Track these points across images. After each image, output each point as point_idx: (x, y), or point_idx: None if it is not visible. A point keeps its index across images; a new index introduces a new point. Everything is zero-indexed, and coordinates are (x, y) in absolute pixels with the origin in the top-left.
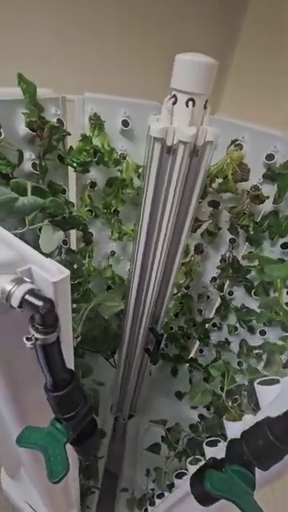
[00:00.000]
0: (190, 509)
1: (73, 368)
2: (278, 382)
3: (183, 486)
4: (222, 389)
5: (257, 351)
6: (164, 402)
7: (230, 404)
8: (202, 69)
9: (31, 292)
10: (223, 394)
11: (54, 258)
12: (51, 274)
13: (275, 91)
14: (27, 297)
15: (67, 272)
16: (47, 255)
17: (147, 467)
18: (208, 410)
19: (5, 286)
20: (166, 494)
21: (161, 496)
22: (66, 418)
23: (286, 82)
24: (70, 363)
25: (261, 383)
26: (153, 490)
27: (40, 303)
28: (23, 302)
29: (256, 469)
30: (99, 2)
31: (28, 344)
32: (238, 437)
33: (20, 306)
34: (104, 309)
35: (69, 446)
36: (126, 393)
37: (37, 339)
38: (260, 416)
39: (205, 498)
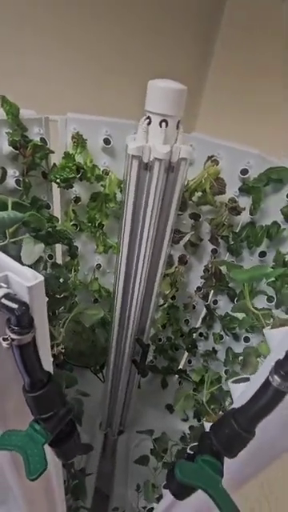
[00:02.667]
0: None
1: (51, 371)
2: (248, 380)
3: (168, 495)
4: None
5: (241, 357)
6: (154, 415)
7: (211, 408)
8: (172, 94)
9: (7, 296)
10: (203, 398)
11: (40, 272)
12: (26, 280)
13: (245, 110)
14: (3, 300)
15: (41, 277)
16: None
17: (138, 482)
18: (199, 421)
19: None
20: (155, 505)
21: (151, 510)
22: (43, 418)
23: (253, 100)
24: (48, 367)
25: (234, 382)
26: (145, 508)
27: (15, 306)
28: (0, 305)
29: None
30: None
31: (4, 344)
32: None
33: None
34: (85, 317)
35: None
36: (114, 407)
37: (13, 340)
38: None
39: (179, 491)
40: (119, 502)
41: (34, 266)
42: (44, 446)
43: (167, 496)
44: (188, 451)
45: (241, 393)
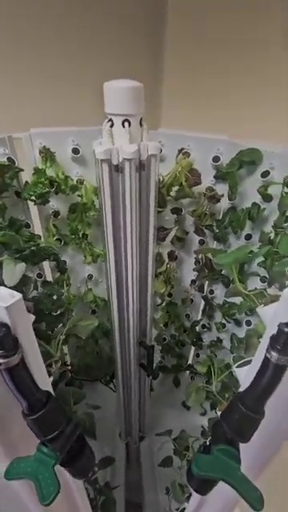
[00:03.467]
0: None
1: (50, 390)
2: (251, 362)
3: (195, 493)
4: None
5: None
6: (172, 415)
7: (226, 397)
8: (129, 92)
9: None
10: (213, 387)
11: (30, 292)
12: (3, 300)
13: (207, 96)
14: None
15: (19, 295)
16: (20, 291)
17: (166, 485)
18: (216, 413)
19: None
20: (187, 504)
21: (184, 511)
22: (49, 439)
23: (213, 86)
24: (45, 385)
25: (238, 366)
26: (177, 509)
27: None
28: None
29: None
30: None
31: None
32: None
33: None
34: (79, 329)
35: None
36: (130, 414)
37: (0, 364)
38: None
39: (200, 486)
40: (152, 508)
41: (23, 287)
42: (54, 467)
43: (195, 494)
44: (207, 443)
45: (245, 375)
